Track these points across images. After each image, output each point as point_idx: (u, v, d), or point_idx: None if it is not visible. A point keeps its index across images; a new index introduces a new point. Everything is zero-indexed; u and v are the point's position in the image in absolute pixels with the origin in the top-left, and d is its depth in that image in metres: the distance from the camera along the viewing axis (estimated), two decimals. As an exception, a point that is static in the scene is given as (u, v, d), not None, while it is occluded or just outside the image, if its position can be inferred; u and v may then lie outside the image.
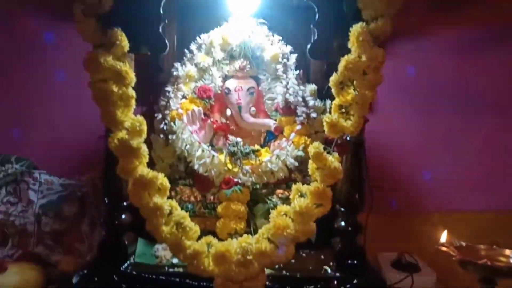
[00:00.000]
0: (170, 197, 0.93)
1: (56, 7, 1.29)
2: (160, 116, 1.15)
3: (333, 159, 0.91)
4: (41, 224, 1.24)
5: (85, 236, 1.31)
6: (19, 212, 1.25)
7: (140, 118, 0.93)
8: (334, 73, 0.92)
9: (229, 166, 1.10)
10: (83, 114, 1.17)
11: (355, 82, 0.91)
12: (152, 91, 1.15)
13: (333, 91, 0.93)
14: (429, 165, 1.51)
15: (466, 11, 1.37)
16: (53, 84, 1.44)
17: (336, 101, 0.93)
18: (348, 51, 0.91)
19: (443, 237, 0.93)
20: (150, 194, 0.91)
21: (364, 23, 0.88)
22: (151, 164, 0.98)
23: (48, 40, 1.39)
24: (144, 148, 0.92)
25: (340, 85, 0.91)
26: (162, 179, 0.93)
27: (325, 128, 0.92)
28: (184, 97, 1.17)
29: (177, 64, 1.15)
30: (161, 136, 1.14)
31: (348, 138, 0.94)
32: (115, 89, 0.89)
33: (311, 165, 0.93)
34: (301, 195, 0.93)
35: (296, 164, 1.12)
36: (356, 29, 0.88)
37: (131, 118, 0.92)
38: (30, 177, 1.28)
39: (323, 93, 1.16)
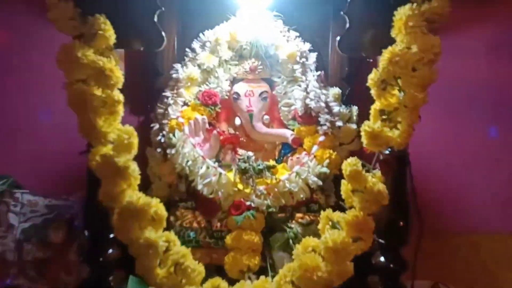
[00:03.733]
0: (168, 224, 0.78)
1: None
2: (157, 126, 0.98)
3: (375, 180, 0.69)
4: (22, 252, 1.07)
5: (72, 266, 1.10)
6: (-3, 238, 1.11)
7: (129, 128, 0.72)
8: (374, 70, 0.71)
9: (240, 186, 0.93)
10: (72, 126, 0.98)
11: (400, 81, 0.68)
12: (150, 99, 1.00)
13: (373, 92, 0.72)
14: (465, 181, 1.28)
15: (502, 10, 1.19)
16: (39, 93, 1.24)
17: (377, 105, 0.72)
18: (390, 42, 0.69)
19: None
20: (141, 226, 0.69)
21: (414, 4, 0.65)
22: (146, 184, 0.86)
23: (29, 42, 1.20)
24: (134, 167, 0.71)
25: (382, 84, 0.70)
26: (156, 206, 0.71)
27: (364, 140, 0.70)
28: (185, 103, 1.02)
29: (177, 65, 1.00)
30: (158, 150, 0.98)
31: (389, 152, 0.71)
32: (96, 91, 0.68)
33: (345, 187, 0.72)
34: (333, 226, 0.70)
35: (320, 183, 0.94)
36: (404, 12, 0.66)
37: (117, 128, 0.70)
38: (10, 197, 1.11)
39: (344, 98, 1.01)
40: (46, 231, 1.08)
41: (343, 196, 0.74)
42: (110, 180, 0.69)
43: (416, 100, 0.68)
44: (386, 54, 0.69)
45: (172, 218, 0.95)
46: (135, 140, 0.72)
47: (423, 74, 0.68)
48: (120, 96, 0.71)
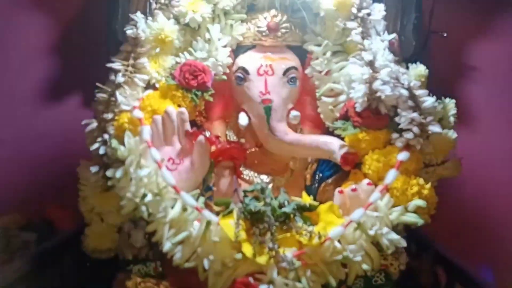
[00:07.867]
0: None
1: None
2: (94, 124, 0.62)
3: None
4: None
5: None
6: None
7: None
8: None
9: (247, 249, 0.51)
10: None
11: None
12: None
13: None
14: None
15: None
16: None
17: None
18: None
19: None
20: None
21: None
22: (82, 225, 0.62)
23: None
24: None
25: None
26: None
27: None
28: (150, 85, 0.65)
29: (137, 15, 0.63)
30: (94, 168, 0.61)
31: None
32: None
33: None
34: None
35: (403, 243, 0.56)
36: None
37: None
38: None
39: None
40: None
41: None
42: None
43: None
44: None
45: (118, 295, 0.59)
46: None
47: None
48: None
